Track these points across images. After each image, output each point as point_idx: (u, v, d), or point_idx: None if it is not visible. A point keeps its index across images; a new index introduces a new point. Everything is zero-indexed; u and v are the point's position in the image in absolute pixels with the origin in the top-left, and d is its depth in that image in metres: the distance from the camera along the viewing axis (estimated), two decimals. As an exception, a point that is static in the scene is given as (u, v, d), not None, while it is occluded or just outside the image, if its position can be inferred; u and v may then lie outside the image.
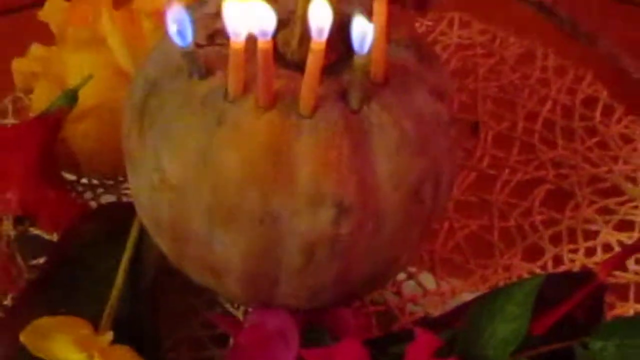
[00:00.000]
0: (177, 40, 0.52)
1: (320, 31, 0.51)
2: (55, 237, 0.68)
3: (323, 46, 0.51)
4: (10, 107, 0.77)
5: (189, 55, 0.54)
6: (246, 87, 0.53)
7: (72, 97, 0.66)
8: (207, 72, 0.55)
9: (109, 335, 0.57)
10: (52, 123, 0.66)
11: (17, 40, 0.74)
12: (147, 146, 0.56)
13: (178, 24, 0.51)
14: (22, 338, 0.57)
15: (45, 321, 0.57)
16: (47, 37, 0.72)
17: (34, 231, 0.69)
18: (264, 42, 0.51)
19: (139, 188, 0.58)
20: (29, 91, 0.74)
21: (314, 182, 0.53)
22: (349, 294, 0.60)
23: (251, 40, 0.52)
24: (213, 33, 0.57)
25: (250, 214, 0.54)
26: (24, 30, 0.78)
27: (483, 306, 0.60)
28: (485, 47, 0.84)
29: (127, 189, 0.70)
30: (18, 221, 0.69)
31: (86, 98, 0.67)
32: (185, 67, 0.55)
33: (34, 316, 0.57)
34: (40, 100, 0.69)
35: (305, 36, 0.55)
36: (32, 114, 0.69)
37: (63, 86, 0.68)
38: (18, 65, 0.71)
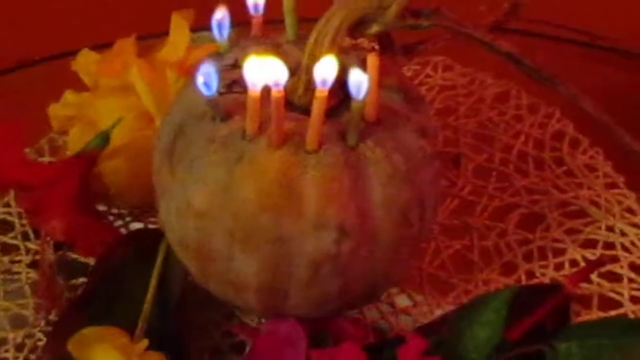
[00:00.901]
0: (203, 89, 0.56)
1: (324, 82, 0.55)
2: (91, 261, 0.70)
3: (326, 94, 0.55)
4: (46, 147, 0.80)
5: (212, 102, 0.57)
6: (260, 129, 0.57)
7: (105, 137, 0.69)
8: (227, 116, 0.58)
9: (144, 343, 0.60)
10: (87, 160, 0.69)
11: (50, 87, 0.77)
12: (176, 180, 0.59)
13: (205, 76, 0.56)
14: (69, 346, 0.59)
15: (88, 331, 0.60)
16: (76, 84, 0.74)
17: (72, 255, 0.72)
18: (277, 92, 0.55)
19: (169, 215, 0.60)
20: (63, 132, 0.77)
21: (319, 208, 0.57)
22: (349, 305, 0.63)
23: (265, 88, 0.56)
24: (231, 83, 0.60)
25: (264, 236, 0.57)
26: (56, 77, 0.81)
27: (464, 313, 0.63)
28: (465, 87, 0.86)
29: (153, 217, 0.73)
30: (57, 247, 0.71)
31: (116, 138, 0.69)
32: (209, 112, 0.58)
33: (77, 328, 0.60)
34: (76, 140, 0.71)
35: (309, 84, 0.58)
36: (68, 153, 0.71)
37: (95, 128, 0.70)
38: (54, 110, 0.73)
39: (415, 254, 0.64)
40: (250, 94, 0.56)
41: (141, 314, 0.63)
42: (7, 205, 0.76)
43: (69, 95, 0.74)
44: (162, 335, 0.63)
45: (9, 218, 0.76)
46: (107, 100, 0.71)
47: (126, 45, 0.72)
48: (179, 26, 0.73)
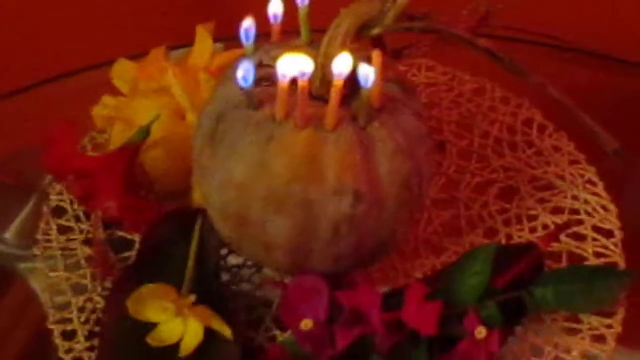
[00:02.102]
0: (241, 82, 0.64)
1: (340, 74, 0.63)
2: (136, 237, 0.77)
3: (342, 83, 0.63)
4: (88, 144, 0.87)
5: (248, 92, 0.64)
6: (287, 113, 0.64)
7: (145, 132, 0.75)
8: (259, 104, 0.65)
9: (192, 297, 0.67)
10: (131, 151, 0.75)
11: (86, 93, 0.84)
12: (217, 158, 0.65)
13: (244, 71, 0.63)
14: (128, 304, 0.66)
15: (144, 289, 0.67)
16: (109, 89, 0.81)
17: (119, 233, 0.78)
18: (302, 81, 0.62)
19: (210, 189, 0.67)
20: (102, 131, 0.84)
21: (338, 178, 0.63)
22: (361, 262, 0.69)
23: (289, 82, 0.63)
24: (259, 78, 0.66)
25: (293, 202, 0.63)
26: (90, 84, 0.89)
27: (457, 266, 0.70)
28: (446, 84, 0.90)
29: (185, 198, 0.76)
30: (106, 226, 0.77)
31: (154, 132, 0.75)
32: (244, 101, 0.65)
33: (130, 291, 0.67)
34: (117, 136, 0.78)
35: (324, 78, 0.66)
36: (111, 147, 0.77)
37: (133, 125, 0.76)
38: (97, 111, 0.80)
39: (413, 218, 0.70)
40: (280, 84, 0.63)
41: (185, 277, 0.70)
42: (60, 193, 0.83)
43: (106, 99, 0.82)
44: (202, 296, 0.68)
45: (62, 204, 0.82)
46: (144, 101, 0.78)
47: (159, 54, 0.80)
48: (203, 36, 0.81)
